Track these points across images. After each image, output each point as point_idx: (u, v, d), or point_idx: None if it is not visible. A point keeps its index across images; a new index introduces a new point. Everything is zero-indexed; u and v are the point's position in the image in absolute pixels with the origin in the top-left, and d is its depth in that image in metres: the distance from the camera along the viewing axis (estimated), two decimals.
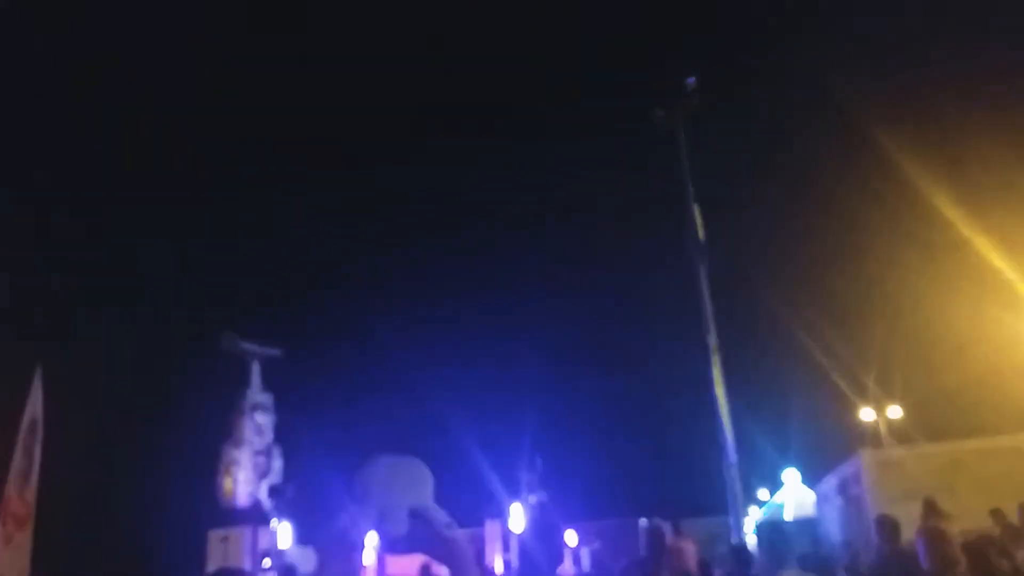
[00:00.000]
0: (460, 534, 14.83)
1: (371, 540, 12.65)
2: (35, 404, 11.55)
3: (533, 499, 17.49)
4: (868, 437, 28.21)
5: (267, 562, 12.10)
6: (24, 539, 11.04)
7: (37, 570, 10.94)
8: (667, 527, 10.67)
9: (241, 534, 12.59)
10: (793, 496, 32.21)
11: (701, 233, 12.92)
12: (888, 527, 7.69)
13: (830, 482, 20.91)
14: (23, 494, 11.17)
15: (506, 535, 17.35)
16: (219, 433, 13.42)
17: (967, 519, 9.27)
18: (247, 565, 11.92)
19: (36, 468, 11.32)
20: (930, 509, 9.54)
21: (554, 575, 13.12)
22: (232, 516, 13.03)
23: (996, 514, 10.40)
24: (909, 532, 7.34)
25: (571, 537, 14.75)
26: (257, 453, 13.05)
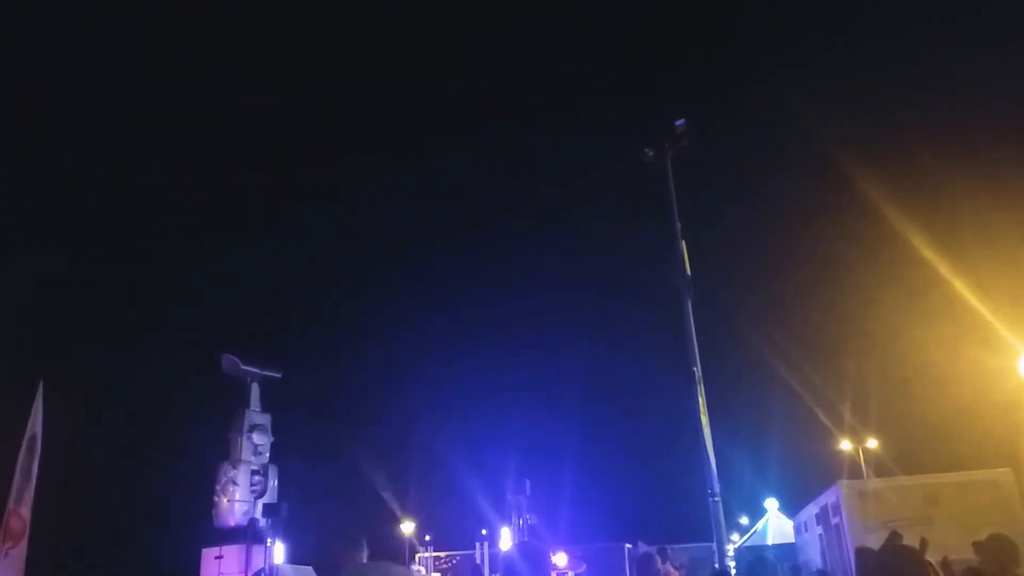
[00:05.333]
0: None
1: None
2: (36, 420, 11.68)
3: (522, 521, 17.66)
4: (847, 468, 28.61)
5: None
6: (20, 554, 11.14)
7: None
8: (653, 553, 10.98)
9: (235, 552, 12.69)
10: (773, 524, 32.53)
11: (687, 268, 13.20)
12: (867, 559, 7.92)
13: (809, 511, 21.15)
14: (20, 509, 11.28)
15: (494, 556, 17.53)
16: (217, 452, 13.51)
17: (944, 552, 9.45)
18: None
19: (33, 483, 11.42)
20: (895, 540, 9.73)
21: None
22: (227, 534, 13.08)
23: (979, 546, 10.57)
24: None
25: (560, 559, 14.93)
26: (254, 473, 13.11)
